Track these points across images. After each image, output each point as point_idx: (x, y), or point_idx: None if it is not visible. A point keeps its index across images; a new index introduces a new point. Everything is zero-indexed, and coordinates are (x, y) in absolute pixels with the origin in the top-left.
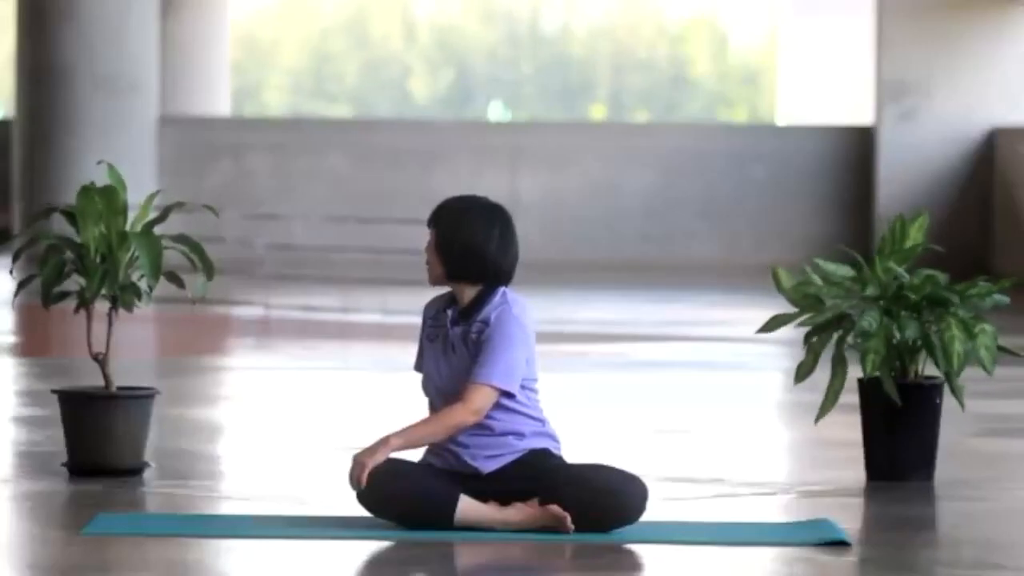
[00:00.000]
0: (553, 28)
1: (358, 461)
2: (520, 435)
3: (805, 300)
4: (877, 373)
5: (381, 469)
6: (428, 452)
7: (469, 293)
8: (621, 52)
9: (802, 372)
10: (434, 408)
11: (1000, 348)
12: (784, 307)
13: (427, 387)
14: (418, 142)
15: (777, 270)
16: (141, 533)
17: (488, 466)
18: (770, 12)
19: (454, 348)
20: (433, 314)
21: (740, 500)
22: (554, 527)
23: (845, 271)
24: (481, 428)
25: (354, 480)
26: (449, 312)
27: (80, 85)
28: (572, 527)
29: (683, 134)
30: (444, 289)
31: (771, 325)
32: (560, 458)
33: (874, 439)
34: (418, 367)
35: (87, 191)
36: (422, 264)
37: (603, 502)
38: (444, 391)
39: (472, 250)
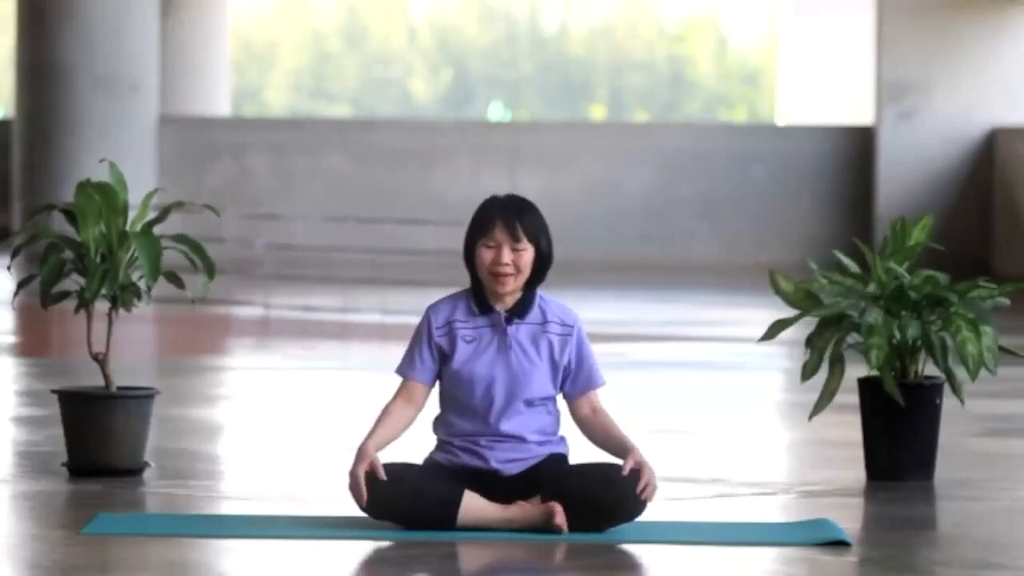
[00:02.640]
0: (552, 28)
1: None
2: (548, 441)
3: (804, 302)
4: (877, 372)
5: (379, 475)
6: (438, 450)
7: (517, 294)
8: (620, 52)
9: (808, 371)
10: (473, 411)
11: (1000, 348)
12: (783, 308)
13: (470, 389)
14: (418, 142)
15: (774, 274)
16: (141, 533)
17: (510, 470)
18: (770, 12)
19: (520, 347)
20: (462, 316)
21: (740, 500)
22: (549, 524)
23: (854, 267)
24: (511, 437)
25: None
26: (501, 311)
27: (80, 85)
28: (564, 528)
29: (683, 134)
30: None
31: (772, 332)
32: (566, 458)
33: (874, 439)
34: (415, 374)
35: (85, 188)
36: (422, 264)
37: (604, 493)
38: (507, 389)
39: (551, 259)
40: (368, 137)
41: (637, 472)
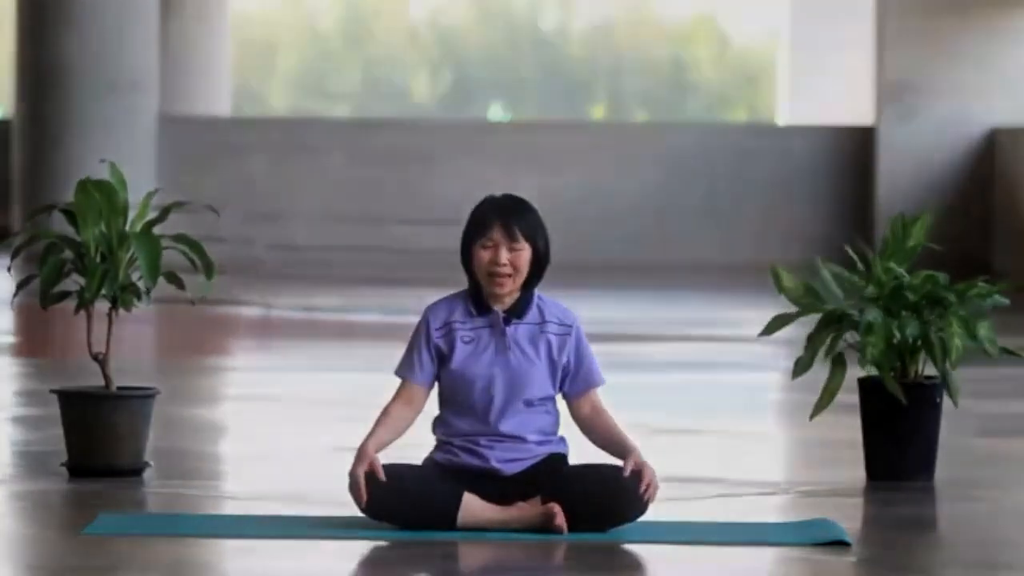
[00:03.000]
0: (553, 28)
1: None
2: (548, 441)
3: (806, 298)
4: (874, 369)
5: (379, 476)
6: (437, 450)
7: (515, 294)
8: (621, 52)
9: (799, 368)
10: (472, 411)
11: (1002, 349)
12: (784, 308)
13: (469, 389)
14: (418, 142)
15: (777, 270)
16: (142, 533)
17: (510, 469)
18: (770, 12)
19: (519, 347)
20: (460, 317)
21: (740, 500)
22: (549, 525)
23: (861, 265)
24: (511, 438)
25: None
26: (499, 312)
27: (80, 85)
28: (564, 529)
29: (683, 134)
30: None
31: (772, 327)
32: (566, 458)
33: (874, 439)
34: (414, 376)
35: (85, 187)
36: (422, 264)
37: (605, 494)
38: (506, 389)
39: (549, 258)
40: (368, 137)
41: (638, 473)
